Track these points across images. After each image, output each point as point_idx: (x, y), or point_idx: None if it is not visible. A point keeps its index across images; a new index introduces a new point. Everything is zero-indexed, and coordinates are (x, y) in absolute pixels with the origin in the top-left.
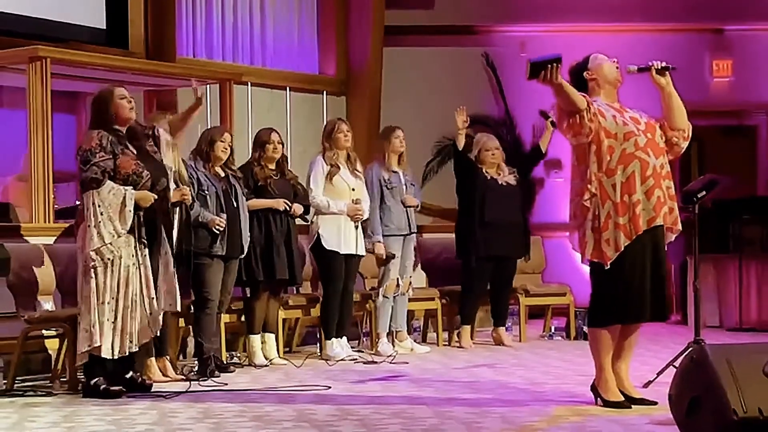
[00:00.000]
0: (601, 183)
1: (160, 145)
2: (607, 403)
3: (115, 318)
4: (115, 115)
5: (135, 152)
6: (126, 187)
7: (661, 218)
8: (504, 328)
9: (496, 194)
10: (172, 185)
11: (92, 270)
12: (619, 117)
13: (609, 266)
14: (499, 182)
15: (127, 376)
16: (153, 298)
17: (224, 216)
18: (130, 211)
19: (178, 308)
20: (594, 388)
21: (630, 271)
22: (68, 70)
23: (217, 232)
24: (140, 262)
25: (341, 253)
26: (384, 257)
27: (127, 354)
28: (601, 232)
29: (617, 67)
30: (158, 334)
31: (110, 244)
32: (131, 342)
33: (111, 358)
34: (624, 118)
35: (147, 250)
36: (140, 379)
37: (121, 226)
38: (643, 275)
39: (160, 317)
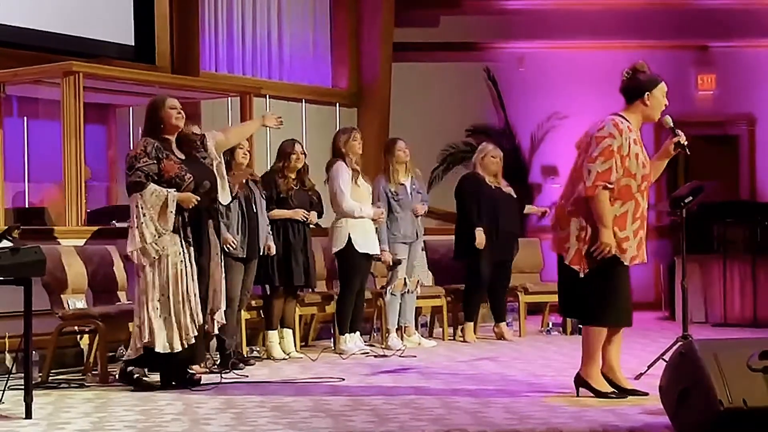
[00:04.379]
0: None
1: (208, 150)
2: (599, 393)
3: (169, 314)
4: (164, 122)
5: (183, 158)
6: (169, 190)
7: (641, 257)
8: (505, 323)
9: (503, 203)
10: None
11: (141, 269)
12: (641, 155)
13: (584, 274)
14: (504, 191)
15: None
16: (196, 295)
17: (239, 238)
18: (172, 212)
19: (223, 306)
20: (580, 381)
21: (625, 282)
22: (99, 83)
23: (228, 250)
24: (188, 260)
25: (371, 254)
26: (390, 264)
27: (184, 348)
28: (587, 244)
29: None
30: (215, 331)
31: (153, 243)
32: (187, 335)
33: (170, 352)
34: (644, 158)
35: (193, 249)
36: (188, 374)
37: (163, 227)
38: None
39: (200, 316)
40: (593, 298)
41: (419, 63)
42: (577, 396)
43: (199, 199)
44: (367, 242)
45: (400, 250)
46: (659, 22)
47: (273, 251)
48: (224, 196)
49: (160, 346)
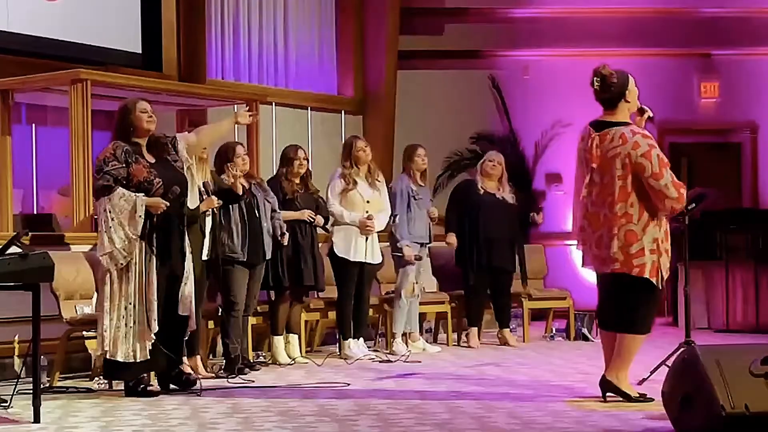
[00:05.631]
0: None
1: (179, 153)
2: (629, 398)
3: (134, 323)
4: (135, 126)
5: (152, 161)
6: (137, 194)
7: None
8: (509, 329)
9: (490, 209)
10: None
11: (107, 275)
12: None
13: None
14: (497, 196)
15: (173, 373)
16: (153, 302)
17: (239, 243)
18: (141, 216)
19: (187, 313)
20: (609, 386)
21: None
22: (107, 91)
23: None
24: (149, 268)
25: (351, 260)
26: (413, 259)
27: (149, 357)
28: (660, 255)
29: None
30: (187, 337)
31: (122, 249)
32: (148, 342)
33: (133, 361)
34: None
35: (156, 257)
36: (184, 376)
37: (132, 231)
38: None
39: (155, 323)
40: (646, 307)
41: (424, 71)
42: (604, 401)
43: (168, 204)
44: (349, 248)
45: (414, 250)
46: (663, 31)
47: (286, 241)
48: (192, 200)
49: (122, 355)
